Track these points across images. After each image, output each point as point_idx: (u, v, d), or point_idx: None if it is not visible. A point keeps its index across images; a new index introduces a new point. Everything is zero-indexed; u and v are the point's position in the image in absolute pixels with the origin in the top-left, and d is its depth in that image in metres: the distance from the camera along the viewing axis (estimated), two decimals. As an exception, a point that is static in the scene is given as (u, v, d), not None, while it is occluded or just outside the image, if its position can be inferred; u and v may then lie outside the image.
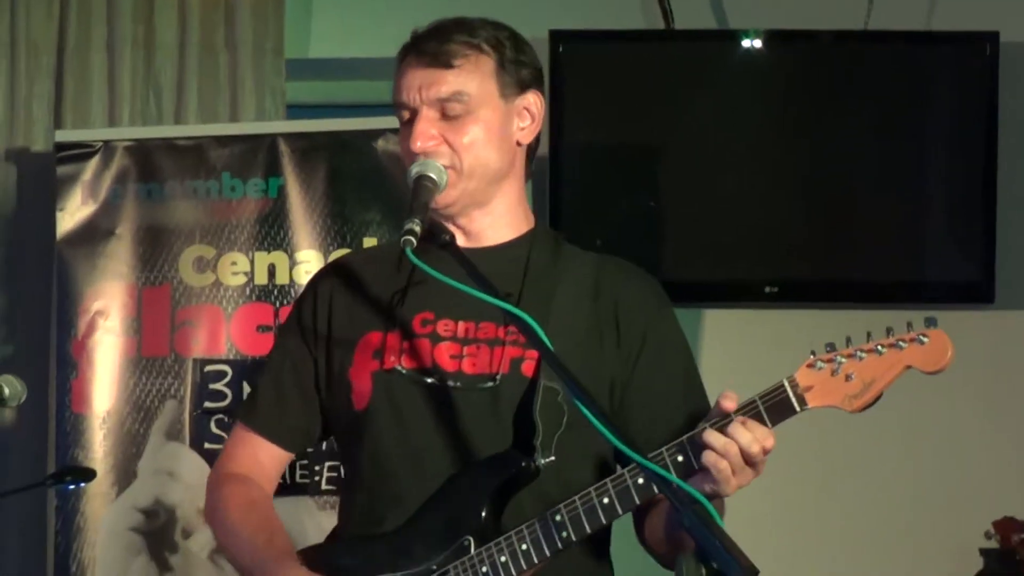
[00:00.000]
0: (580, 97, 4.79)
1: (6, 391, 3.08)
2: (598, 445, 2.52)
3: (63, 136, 4.64)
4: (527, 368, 2.55)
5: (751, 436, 2.36)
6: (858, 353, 2.37)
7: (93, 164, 4.54)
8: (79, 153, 4.54)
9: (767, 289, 4.77)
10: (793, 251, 4.81)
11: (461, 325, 2.58)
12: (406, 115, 2.60)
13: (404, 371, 2.57)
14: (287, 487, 4.19)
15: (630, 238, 4.77)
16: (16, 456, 4.77)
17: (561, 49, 4.75)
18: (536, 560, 2.45)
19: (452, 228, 2.60)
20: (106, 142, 4.56)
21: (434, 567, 2.48)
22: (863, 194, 4.78)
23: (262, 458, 2.73)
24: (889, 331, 2.37)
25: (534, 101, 2.66)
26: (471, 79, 2.58)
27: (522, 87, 2.65)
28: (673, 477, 2.23)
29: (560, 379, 2.28)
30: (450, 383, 2.55)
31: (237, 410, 2.84)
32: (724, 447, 2.35)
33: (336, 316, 2.67)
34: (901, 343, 2.35)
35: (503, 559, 2.45)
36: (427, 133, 2.56)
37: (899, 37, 4.81)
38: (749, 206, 4.78)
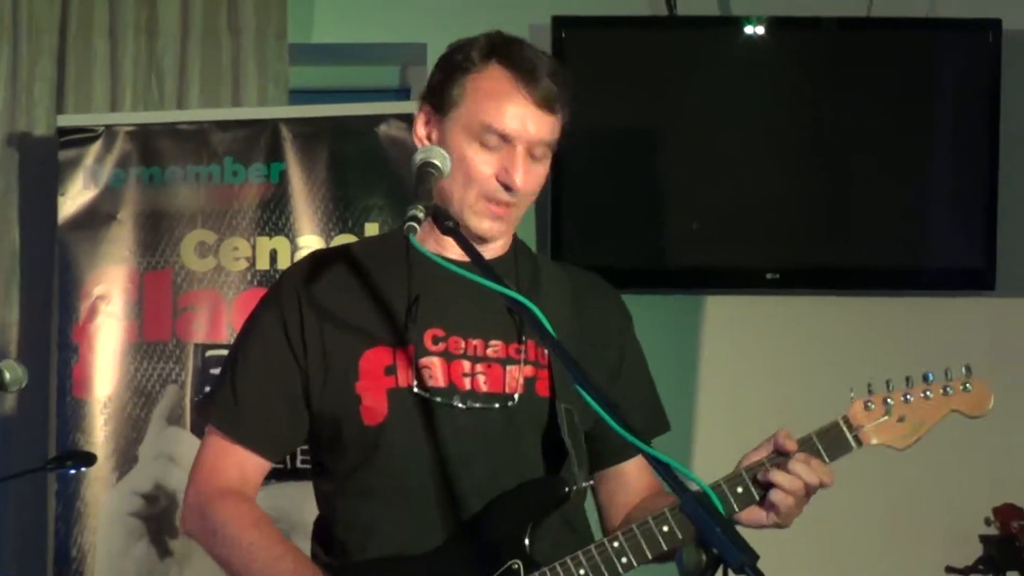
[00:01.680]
0: (582, 83, 4.75)
1: (7, 376, 3.08)
2: (604, 458, 2.68)
3: (65, 120, 4.64)
4: (541, 388, 2.58)
5: (811, 470, 2.51)
6: (907, 396, 2.58)
7: (95, 149, 4.54)
8: (81, 138, 4.54)
9: (768, 276, 4.77)
10: (795, 238, 4.81)
11: (471, 343, 2.59)
12: (494, 141, 2.57)
13: (421, 391, 2.56)
14: (288, 472, 4.17)
15: (632, 224, 4.77)
16: (17, 441, 4.77)
17: (564, 35, 4.74)
18: None
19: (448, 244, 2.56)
20: (108, 127, 4.56)
21: None
22: (865, 181, 4.78)
23: (248, 470, 2.66)
24: (927, 376, 2.58)
25: None
26: (558, 128, 2.62)
27: None
28: (674, 462, 2.21)
29: (566, 368, 2.27)
30: (466, 404, 2.56)
31: (210, 413, 2.70)
32: (791, 484, 2.49)
33: (329, 327, 2.62)
34: (948, 389, 2.60)
35: None
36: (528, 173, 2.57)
37: (902, 24, 4.81)
38: (751, 193, 4.78)
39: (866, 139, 4.78)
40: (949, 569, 4.28)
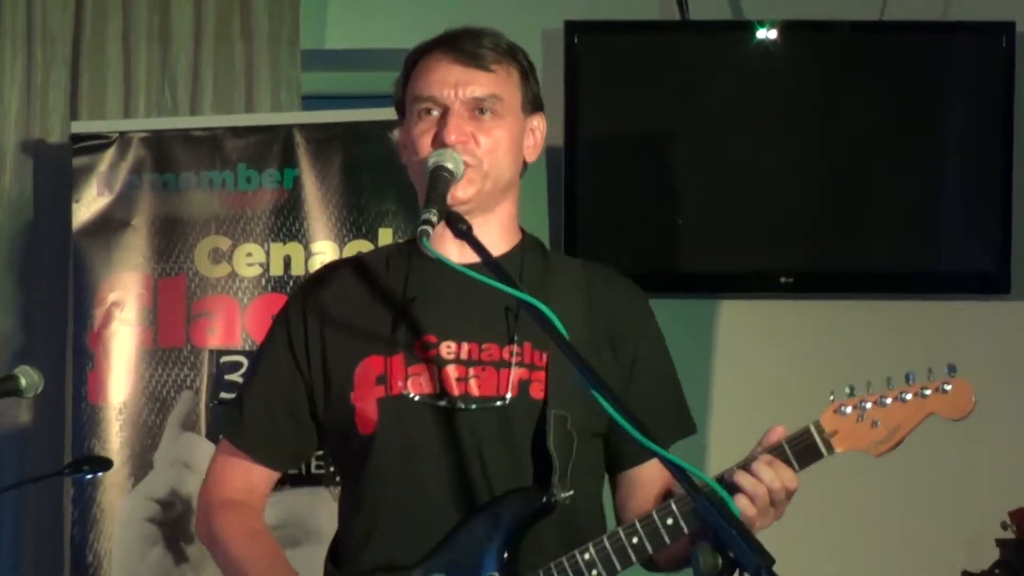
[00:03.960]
0: (595, 88, 4.79)
1: (23, 382, 3.08)
2: (600, 467, 2.63)
3: (79, 127, 4.64)
4: (535, 391, 2.56)
5: (772, 473, 2.42)
6: (882, 400, 2.43)
7: (109, 155, 4.54)
8: (95, 144, 4.55)
9: (783, 279, 4.77)
10: (809, 242, 4.81)
11: (464, 346, 2.59)
12: (431, 109, 2.60)
13: (412, 396, 2.57)
14: (303, 478, 4.21)
15: (645, 229, 4.77)
16: (33, 447, 4.77)
17: (576, 40, 4.75)
18: None
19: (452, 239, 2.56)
20: (122, 133, 4.56)
21: None
22: (879, 185, 4.77)
23: (254, 479, 2.73)
24: (909, 377, 2.43)
25: (539, 125, 2.69)
26: (504, 86, 2.61)
27: (535, 106, 2.68)
28: (688, 466, 2.21)
29: (576, 368, 2.27)
30: (459, 406, 2.56)
31: (223, 424, 2.81)
32: (753, 488, 2.41)
33: (330, 338, 2.65)
34: (925, 391, 2.42)
35: None
36: (462, 128, 2.57)
37: (915, 27, 4.81)
38: (764, 197, 4.78)
39: (880, 142, 4.78)
40: (966, 573, 4.27)
